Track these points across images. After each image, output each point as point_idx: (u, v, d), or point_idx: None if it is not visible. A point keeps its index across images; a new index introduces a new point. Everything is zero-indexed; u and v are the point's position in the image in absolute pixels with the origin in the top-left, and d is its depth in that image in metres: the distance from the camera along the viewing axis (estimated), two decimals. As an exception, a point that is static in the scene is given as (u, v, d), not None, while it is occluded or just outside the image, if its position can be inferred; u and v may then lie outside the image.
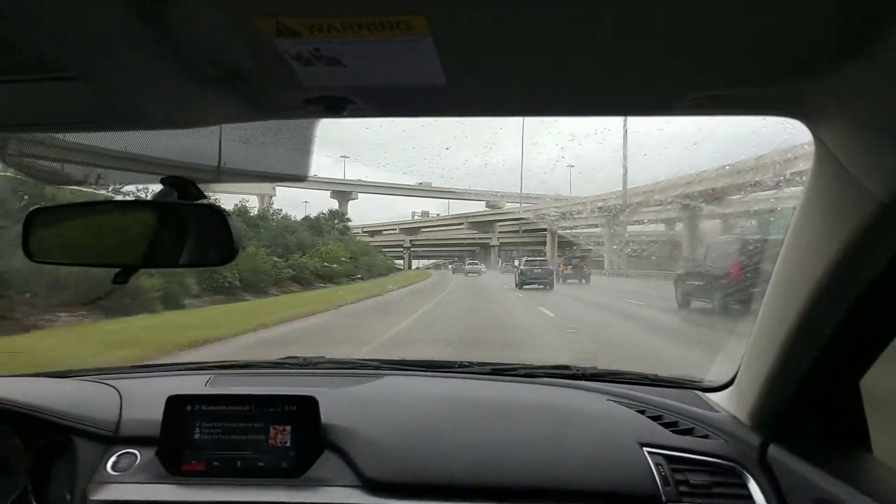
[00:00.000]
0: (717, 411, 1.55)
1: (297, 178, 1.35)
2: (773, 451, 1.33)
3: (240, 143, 1.20)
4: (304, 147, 1.25)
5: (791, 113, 0.98)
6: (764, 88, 0.90)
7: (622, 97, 0.97)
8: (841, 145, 0.94)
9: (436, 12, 0.69)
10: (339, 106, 0.94)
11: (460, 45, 0.76)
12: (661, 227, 32.20)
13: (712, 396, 1.63)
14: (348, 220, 45.78)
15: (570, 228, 40.22)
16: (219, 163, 1.17)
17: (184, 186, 1.11)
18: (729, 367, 1.55)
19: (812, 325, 1.15)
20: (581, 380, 1.82)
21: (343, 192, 53.03)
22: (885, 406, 1.28)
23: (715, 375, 1.66)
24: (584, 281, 27.95)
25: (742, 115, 1.05)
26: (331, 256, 31.63)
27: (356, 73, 0.83)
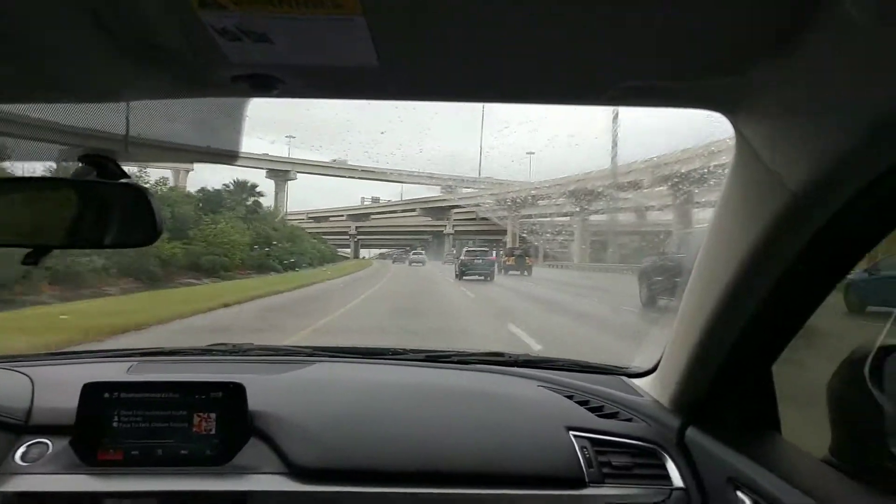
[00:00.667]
0: (641, 396, 1.61)
1: (226, 155, 1.32)
2: (691, 433, 1.39)
3: (164, 120, 1.16)
4: (232, 125, 1.21)
5: (715, 106, 1.01)
6: (690, 81, 0.93)
7: (553, 84, 0.98)
8: (760, 140, 0.98)
9: None
10: (267, 84, 0.91)
11: (392, 26, 0.75)
12: (630, 218, 31.43)
13: (637, 382, 1.69)
14: (260, 193, 36.51)
15: (532, 217, 38.44)
16: (126, 138, 1.11)
17: (103, 164, 1.06)
18: (655, 353, 1.60)
19: (729, 314, 1.20)
20: (513, 366, 1.85)
21: (279, 171, 47.24)
22: (792, 390, 1.34)
23: (641, 362, 1.72)
24: (525, 273, 27.91)
25: (668, 106, 1.07)
26: (219, 240, 23.81)
27: (285, 50, 0.81)
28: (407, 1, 0.70)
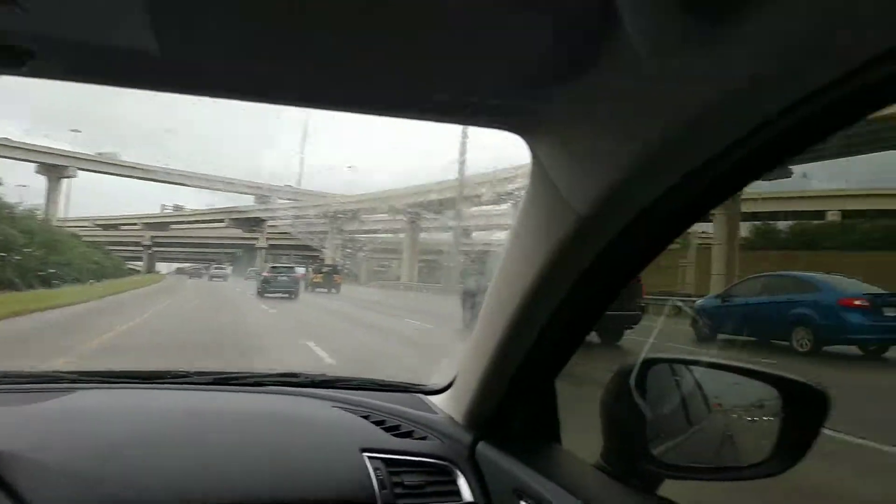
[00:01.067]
0: (437, 413, 1.62)
1: None
2: (482, 447, 1.42)
3: None
4: None
5: (512, 127, 1.05)
6: (489, 101, 0.95)
7: (353, 92, 0.95)
8: (551, 162, 1.04)
9: None
10: (16, 59, 0.76)
11: (176, 6, 0.67)
12: (459, 236, 29.68)
13: (434, 399, 1.70)
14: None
15: (355, 233, 36.13)
16: None
17: None
18: (449, 370, 1.63)
19: (518, 330, 1.25)
20: (308, 387, 1.77)
21: (52, 166, 37.30)
22: (570, 401, 1.44)
23: (438, 379, 1.74)
24: (333, 290, 27.28)
25: (472, 125, 1.10)
26: None
27: (40, 19, 0.68)
28: None
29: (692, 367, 1.24)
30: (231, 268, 38.20)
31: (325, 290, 27.27)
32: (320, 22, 0.72)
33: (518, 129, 1.05)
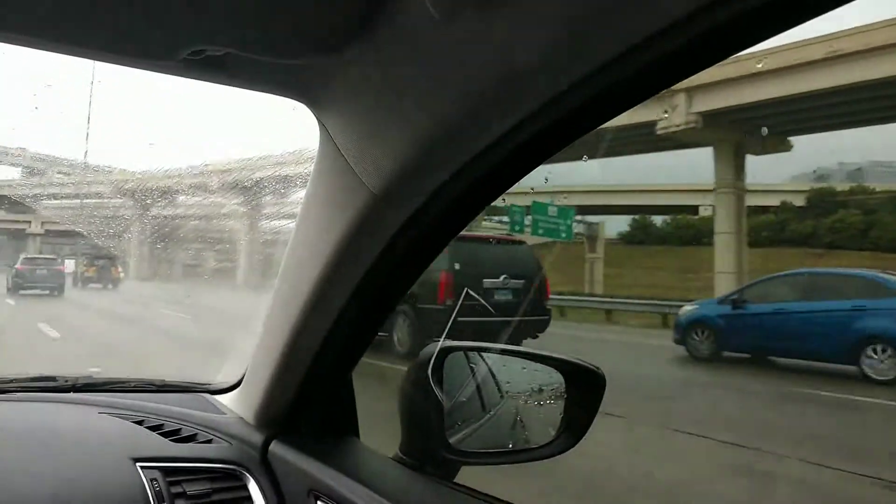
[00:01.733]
0: (224, 413, 1.49)
1: None
2: (275, 447, 1.32)
3: None
4: None
5: (297, 94, 0.95)
6: (269, 59, 0.84)
7: (103, 34, 0.78)
8: (342, 135, 0.95)
9: None
10: None
11: None
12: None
13: (221, 398, 1.56)
14: None
15: (168, 218, 30.64)
16: None
17: None
18: (238, 368, 1.50)
19: (311, 321, 1.17)
20: (69, 392, 1.52)
21: None
22: (366, 393, 1.41)
23: (226, 376, 1.60)
24: (110, 286, 23.77)
25: (245, 87, 0.96)
26: None
27: None
28: None
29: (485, 354, 1.27)
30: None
31: (100, 285, 23.91)
32: None
33: (302, 96, 0.95)
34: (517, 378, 1.23)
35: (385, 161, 0.89)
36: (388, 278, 1.09)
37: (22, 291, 18.86)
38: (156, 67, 0.87)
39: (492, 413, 1.28)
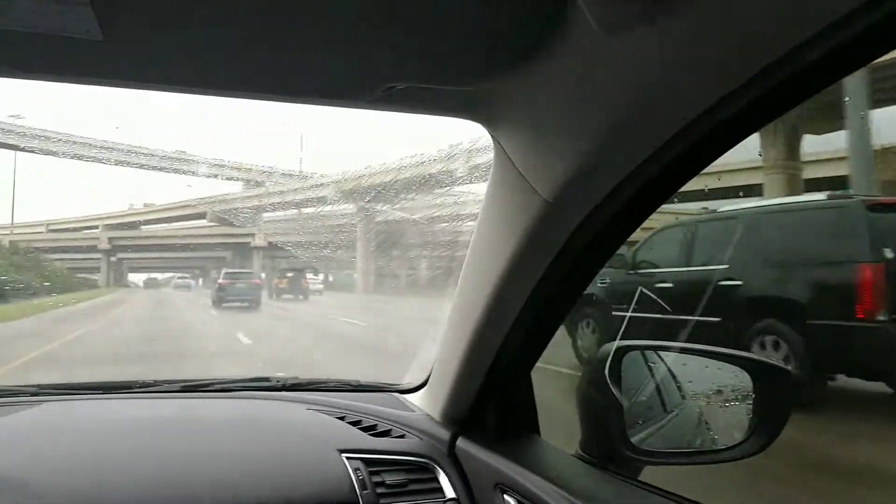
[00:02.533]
0: (414, 411, 1.61)
1: None
2: (461, 443, 1.41)
3: None
4: None
5: (472, 115, 1.03)
6: (449, 88, 0.94)
7: (309, 83, 0.92)
8: (514, 147, 1.02)
9: None
10: None
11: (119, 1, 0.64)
12: None
13: (409, 397, 1.68)
14: None
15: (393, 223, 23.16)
16: None
17: None
18: (424, 368, 1.62)
19: (492, 322, 1.24)
20: (280, 391, 1.74)
21: None
22: (548, 392, 1.45)
23: (413, 377, 1.72)
24: (301, 297, 24.71)
25: (427, 113, 1.07)
26: None
27: None
28: None
29: (663, 353, 1.25)
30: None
31: (292, 296, 24.96)
32: (271, 9, 0.70)
33: (477, 116, 1.03)
34: (699, 377, 1.21)
35: (557, 169, 0.94)
36: (561, 282, 1.13)
37: (224, 304, 19.85)
38: (353, 105, 1.01)
39: (674, 413, 1.26)
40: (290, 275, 25.99)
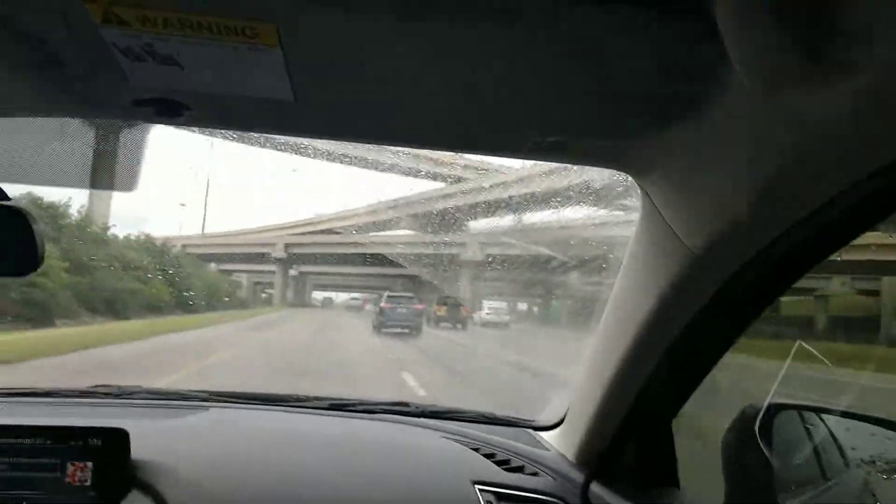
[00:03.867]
0: (548, 449, 1.60)
1: (124, 186, 1.25)
2: (595, 488, 1.38)
3: (56, 140, 1.10)
4: (135, 153, 1.15)
5: (623, 167, 1.05)
6: (601, 142, 0.97)
7: (468, 135, 0.99)
8: (663, 200, 1.02)
9: (286, 23, 0.65)
10: (172, 111, 0.87)
11: (309, 61, 0.73)
12: None
13: (544, 435, 1.68)
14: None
15: None
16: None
17: None
18: (560, 407, 1.60)
19: (632, 369, 1.22)
20: (419, 417, 1.80)
21: None
22: (690, 445, 1.36)
23: (548, 415, 1.71)
24: (459, 326, 23.26)
25: (579, 164, 1.12)
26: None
27: (194, 77, 0.77)
28: (326, 39, 0.69)
29: (824, 416, 1.14)
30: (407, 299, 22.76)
31: (450, 324, 23.40)
32: (446, 70, 0.76)
33: (627, 167, 1.05)
34: (865, 445, 1.08)
35: (707, 223, 0.92)
36: (706, 335, 1.10)
37: (384, 330, 18.56)
38: (505, 155, 1.08)
39: (834, 481, 1.13)
40: (449, 302, 24.23)
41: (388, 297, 21.40)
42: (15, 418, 1.47)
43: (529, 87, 0.80)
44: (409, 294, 23.47)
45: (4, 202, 1.01)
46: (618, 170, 1.06)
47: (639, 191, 1.07)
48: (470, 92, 0.81)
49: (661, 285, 1.05)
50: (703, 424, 1.42)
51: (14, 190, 1.04)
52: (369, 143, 1.08)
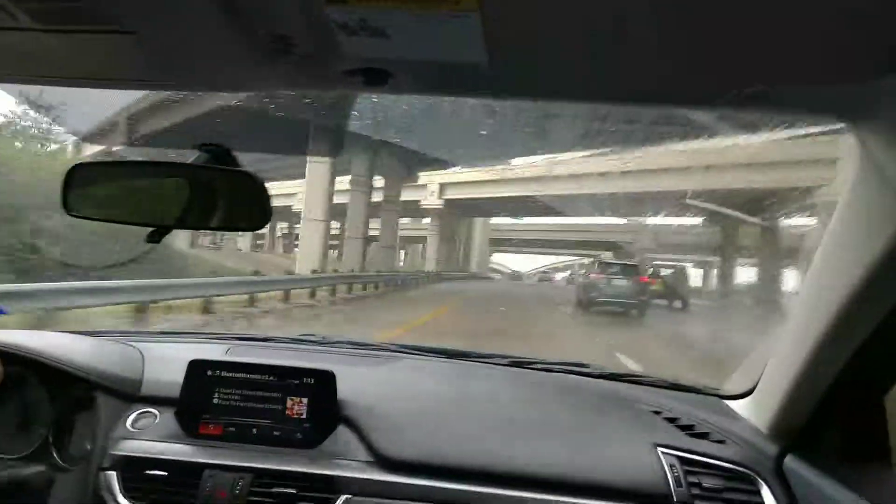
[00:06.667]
0: (736, 418, 1.53)
1: (330, 152, 1.39)
2: (790, 461, 1.30)
3: (276, 112, 1.24)
4: (340, 123, 1.27)
5: (837, 116, 0.97)
6: (814, 88, 0.88)
7: (669, 88, 0.95)
8: (885, 153, 0.92)
9: None
10: (379, 79, 0.92)
11: (507, 24, 0.75)
12: None
13: (731, 404, 1.60)
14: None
15: None
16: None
17: (222, 154, 1.10)
18: (751, 374, 1.51)
19: (840, 336, 1.12)
20: (598, 378, 1.81)
21: None
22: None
23: (735, 383, 1.63)
24: (678, 304, 18.31)
25: (788, 114, 1.04)
26: None
27: (398, 45, 0.82)
28: (523, 3, 0.71)
29: None
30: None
31: (666, 301, 17.80)
32: (645, 21, 0.73)
33: (844, 116, 0.95)
34: None
35: None
36: None
37: (594, 308, 14.43)
38: (702, 107, 1.02)
39: None
40: (666, 273, 18.28)
41: (601, 263, 16.89)
42: (243, 357, 1.70)
43: (731, 31, 0.74)
44: (632, 262, 18.32)
45: (241, 168, 1.18)
46: (830, 119, 0.98)
47: (855, 143, 0.97)
48: (670, 43, 0.78)
49: (880, 246, 0.95)
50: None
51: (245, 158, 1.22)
52: (565, 101, 1.08)
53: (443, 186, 28.45)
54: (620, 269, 15.29)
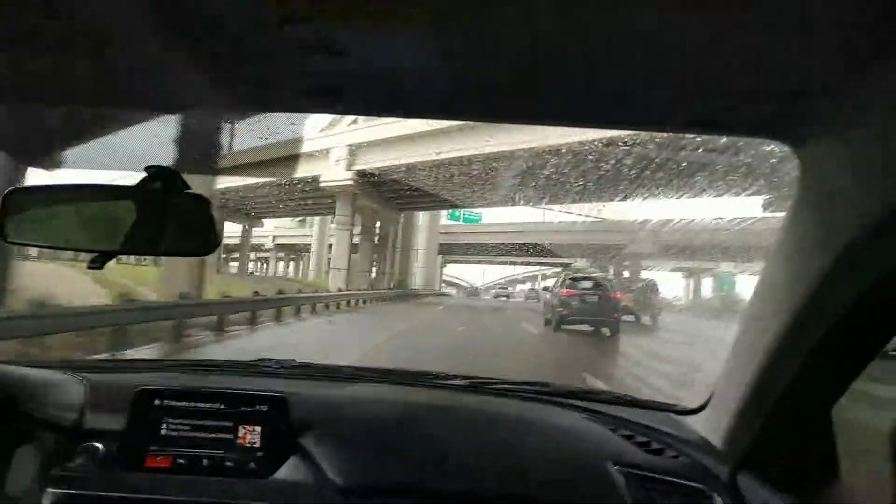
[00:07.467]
0: (691, 434, 1.55)
1: (284, 174, 1.38)
2: (744, 477, 1.32)
3: (229, 135, 1.23)
4: (295, 144, 1.26)
5: (779, 136, 1.00)
6: (755, 110, 0.92)
7: (624, 110, 0.98)
8: (828, 169, 0.95)
9: (439, 9, 0.69)
10: (337, 99, 0.93)
11: (465, 45, 0.76)
12: None
13: (686, 419, 1.62)
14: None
15: None
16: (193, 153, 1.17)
17: (170, 177, 1.07)
18: (705, 389, 1.53)
19: (787, 350, 1.15)
20: (556, 396, 1.81)
21: None
22: (855, 433, 1.24)
23: (690, 398, 1.65)
24: (648, 320, 17.54)
25: (733, 136, 1.07)
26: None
27: (356, 64, 0.82)
28: (479, 20, 0.71)
29: None
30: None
31: (632, 317, 16.68)
32: (595, 46, 0.76)
33: (785, 137, 0.99)
34: None
35: (878, 195, 0.85)
36: (874, 317, 1.01)
37: (564, 326, 13.65)
38: (650, 129, 1.05)
39: None
40: (638, 286, 17.25)
41: (571, 278, 15.48)
42: (193, 386, 1.63)
43: (678, 56, 0.78)
44: (599, 273, 17.48)
45: (188, 191, 1.15)
46: (773, 139, 1.01)
47: (797, 164, 1.01)
48: (627, 64, 0.80)
49: (825, 261, 0.98)
50: (863, 414, 1.27)
51: (191, 180, 1.19)
52: (519, 123, 1.10)
53: (354, 151, 18.76)
54: (592, 286, 14.57)
